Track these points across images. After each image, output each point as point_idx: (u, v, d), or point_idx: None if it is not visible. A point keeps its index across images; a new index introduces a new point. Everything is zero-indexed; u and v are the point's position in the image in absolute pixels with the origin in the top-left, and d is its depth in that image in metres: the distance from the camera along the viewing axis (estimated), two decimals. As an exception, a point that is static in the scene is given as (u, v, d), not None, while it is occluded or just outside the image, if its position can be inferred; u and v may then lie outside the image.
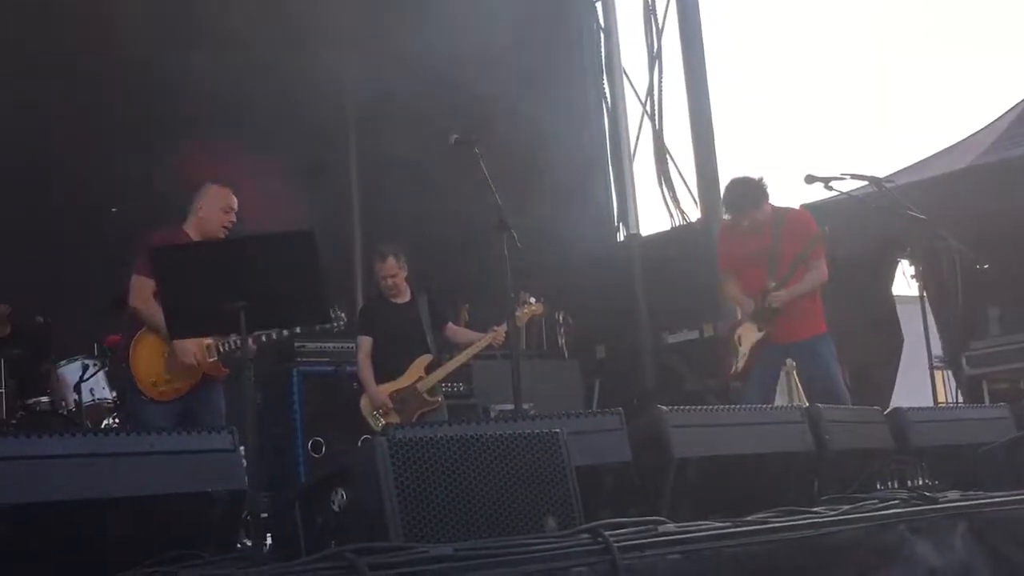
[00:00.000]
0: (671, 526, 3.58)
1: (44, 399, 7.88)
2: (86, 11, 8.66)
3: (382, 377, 7.69)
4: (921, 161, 11.33)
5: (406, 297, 7.84)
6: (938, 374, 10.12)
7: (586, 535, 3.29)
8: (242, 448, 3.95)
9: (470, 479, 3.28)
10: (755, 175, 7.13)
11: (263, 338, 6.14)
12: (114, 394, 7.79)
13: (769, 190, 7.09)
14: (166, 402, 6.04)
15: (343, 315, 6.84)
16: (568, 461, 3.48)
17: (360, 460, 3.24)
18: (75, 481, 3.32)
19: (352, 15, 9.77)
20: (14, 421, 7.37)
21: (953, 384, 10.07)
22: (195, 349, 5.98)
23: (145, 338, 6.06)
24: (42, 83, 8.79)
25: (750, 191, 7.09)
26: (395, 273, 7.76)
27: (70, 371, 7.77)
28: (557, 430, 3.52)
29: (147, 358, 6.06)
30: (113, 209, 7.61)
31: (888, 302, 11.16)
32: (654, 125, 11.66)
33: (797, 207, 7.81)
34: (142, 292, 5.98)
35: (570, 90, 11.65)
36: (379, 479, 3.13)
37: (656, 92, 11.57)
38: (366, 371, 7.72)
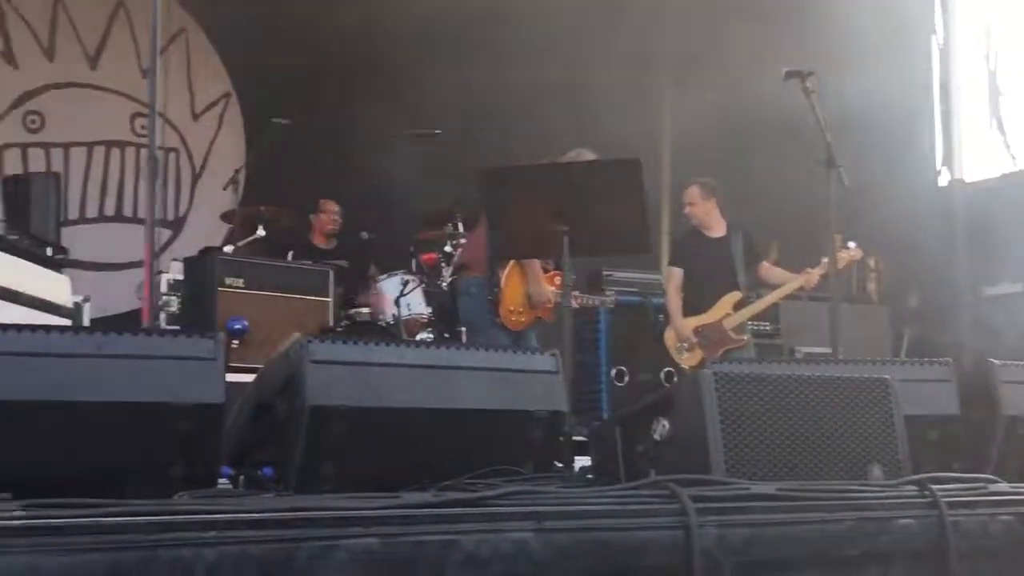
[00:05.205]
0: (1003, 486, 3.42)
1: (364, 310, 8.27)
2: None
3: (689, 311, 7.67)
4: None
5: (720, 232, 7.75)
6: None
7: (913, 487, 3.19)
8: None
9: (795, 419, 3.22)
10: None
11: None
12: (430, 310, 8.09)
13: None
14: (510, 332, 6.84)
15: None
16: (897, 410, 3.36)
17: (685, 391, 3.24)
18: (408, 390, 3.45)
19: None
20: (339, 328, 7.75)
21: None
22: (551, 295, 6.83)
23: (513, 272, 6.85)
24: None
25: None
26: (694, 202, 7.70)
27: (390, 286, 8.11)
28: (887, 376, 3.40)
29: (513, 289, 6.85)
30: (437, 131, 7.81)
31: None
32: (989, 64, 11.00)
33: None
34: None
35: (900, 25, 11.09)
36: (703, 411, 3.12)
37: (994, 28, 10.90)
38: (674, 303, 7.71)
